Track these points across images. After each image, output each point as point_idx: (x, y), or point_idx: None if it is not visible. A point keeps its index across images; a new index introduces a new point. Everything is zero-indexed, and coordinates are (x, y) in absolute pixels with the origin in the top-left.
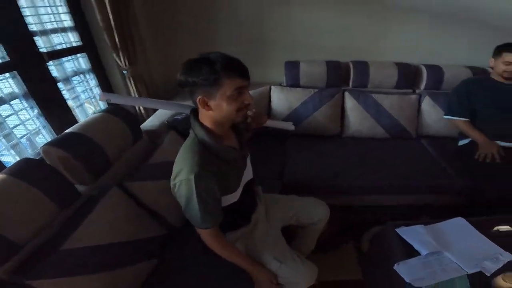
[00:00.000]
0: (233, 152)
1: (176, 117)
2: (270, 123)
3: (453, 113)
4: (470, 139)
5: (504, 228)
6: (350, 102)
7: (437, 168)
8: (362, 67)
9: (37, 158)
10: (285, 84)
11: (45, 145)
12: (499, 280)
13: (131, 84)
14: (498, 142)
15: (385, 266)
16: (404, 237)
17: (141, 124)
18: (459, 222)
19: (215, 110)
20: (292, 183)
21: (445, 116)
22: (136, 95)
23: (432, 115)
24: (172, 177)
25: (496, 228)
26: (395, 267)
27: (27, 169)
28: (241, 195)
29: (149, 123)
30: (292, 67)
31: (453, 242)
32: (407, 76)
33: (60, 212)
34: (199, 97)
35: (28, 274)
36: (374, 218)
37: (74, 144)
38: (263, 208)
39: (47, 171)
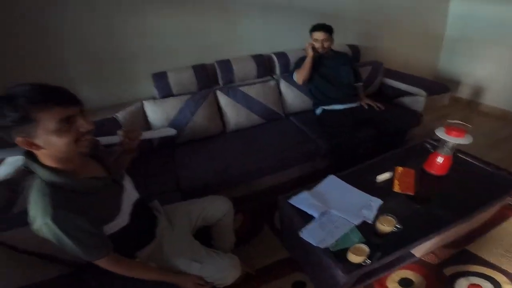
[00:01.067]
0: (94, 182)
1: None
2: (148, 134)
3: (293, 73)
4: (322, 108)
5: (382, 177)
6: (223, 99)
7: (306, 139)
8: (226, 65)
9: None
10: (158, 97)
11: None
12: (379, 225)
13: None
14: (337, 106)
15: (295, 237)
16: (296, 205)
17: None
18: (333, 180)
19: (47, 148)
20: (190, 189)
21: (294, 79)
22: None
23: (290, 94)
24: (29, 222)
25: (377, 178)
26: (300, 235)
27: None
28: (133, 216)
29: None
30: (161, 78)
31: (334, 199)
32: (263, 65)
33: None
34: (18, 139)
35: None
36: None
37: None
38: (165, 220)
39: None
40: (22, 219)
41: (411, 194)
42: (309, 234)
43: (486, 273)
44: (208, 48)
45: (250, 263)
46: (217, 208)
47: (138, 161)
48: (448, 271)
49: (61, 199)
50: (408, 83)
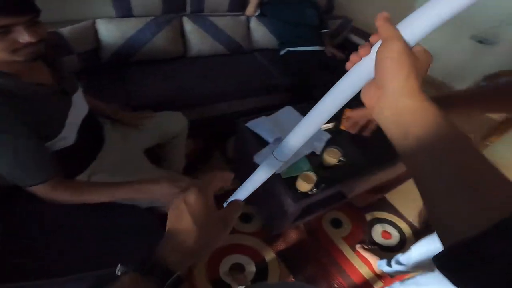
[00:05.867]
0: (37, 88)
1: None
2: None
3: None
4: (287, 48)
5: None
6: (189, 26)
7: (266, 73)
8: None
9: None
10: (114, 17)
11: None
12: (326, 156)
13: None
14: (301, 48)
15: (248, 162)
16: (253, 129)
17: None
18: (290, 110)
19: None
20: (141, 106)
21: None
22: None
23: (259, 32)
24: None
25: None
26: (255, 159)
27: None
28: (80, 134)
29: None
30: None
31: (289, 128)
32: (237, 1)
33: None
34: None
35: None
36: (230, 128)
37: None
38: (117, 135)
39: None
40: None
41: (354, 133)
42: (263, 158)
43: (396, 223)
44: None
45: None
46: (176, 123)
47: (86, 78)
48: (368, 216)
49: (1, 102)
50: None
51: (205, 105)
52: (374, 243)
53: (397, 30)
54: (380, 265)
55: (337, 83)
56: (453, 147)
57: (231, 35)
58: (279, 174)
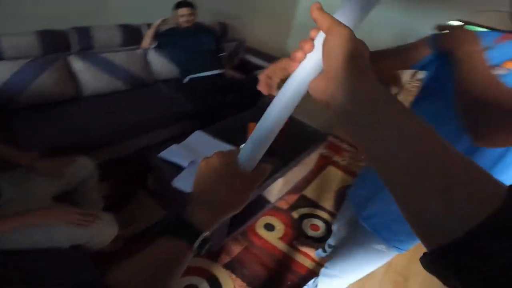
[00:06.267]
0: None
1: None
2: None
3: None
4: (189, 76)
5: None
6: (78, 65)
7: (173, 102)
8: (84, 32)
9: None
10: None
11: None
12: None
13: None
14: (202, 74)
15: (169, 189)
16: (166, 158)
17: None
18: (199, 134)
19: None
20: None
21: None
22: None
23: (159, 63)
24: None
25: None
26: (174, 184)
27: None
28: None
29: None
30: None
31: (201, 150)
32: (130, 35)
33: None
34: None
35: None
36: (146, 162)
37: None
38: (14, 188)
39: None
40: None
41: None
42: (181, 183)
43: (319, 215)
44: (65, 15)
45: (129, 228)
46: (81, 167)
47: None
48: (295, 214)
49: None
50: (262, 59)
51: (112, 144)
52: (307, 237)
53: (336, 19)
54: (318, 253)
55: (285, 84)
56: (422, 136)
57: (129, 69)
58: None
